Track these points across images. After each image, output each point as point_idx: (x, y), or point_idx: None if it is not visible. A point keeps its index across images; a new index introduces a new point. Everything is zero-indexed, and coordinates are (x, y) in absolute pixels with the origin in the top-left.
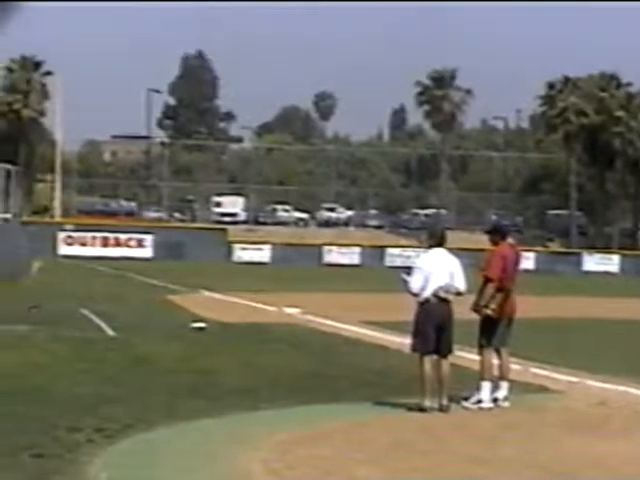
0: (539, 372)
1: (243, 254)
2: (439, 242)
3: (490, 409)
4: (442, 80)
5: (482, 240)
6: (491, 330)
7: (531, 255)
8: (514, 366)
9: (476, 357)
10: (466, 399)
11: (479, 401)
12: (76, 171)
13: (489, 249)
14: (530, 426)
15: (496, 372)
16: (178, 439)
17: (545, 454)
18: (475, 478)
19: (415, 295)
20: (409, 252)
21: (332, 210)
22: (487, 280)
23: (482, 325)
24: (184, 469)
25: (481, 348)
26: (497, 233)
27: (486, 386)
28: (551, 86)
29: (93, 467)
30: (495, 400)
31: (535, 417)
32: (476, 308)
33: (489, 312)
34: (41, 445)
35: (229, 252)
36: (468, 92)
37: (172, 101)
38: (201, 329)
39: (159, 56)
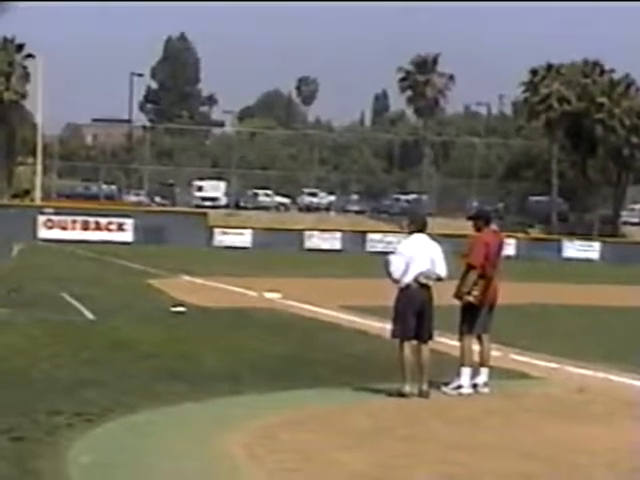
0: (519, 358)
1: (224, 238)
2: (420, 228)
3: (470, 395)
4: (425, 65)
5: (463, 226)
6: (473, 317)
7: (512, 241)
8: (494, 352)
9: (456, 343)
10: (446, 384)
11: (459, 387)
12: (57, 154)
13: (472, 235)
14: (510, 412)
15: (476, 358)
16: (159, 423)
17: (525, 440)
18: (455, 463)
19: (396, 281)
20: (390, 237)
21: (313, 195)
22: (469, 267)
23: (464, 312)
24: (165, 453)
25: (462, 334)
26: (481, 219)
27: (466, 372)
28: (534, 72)
29: (73, 450)
30: (475, 386)
31: (515, 403)
32: (458, 295)
33: (471, 299)
34: (21, 428)
35: (210, 236)
36: (451, 78)
37: (154, 84)
38: (181, 313)
39: (142, 39)
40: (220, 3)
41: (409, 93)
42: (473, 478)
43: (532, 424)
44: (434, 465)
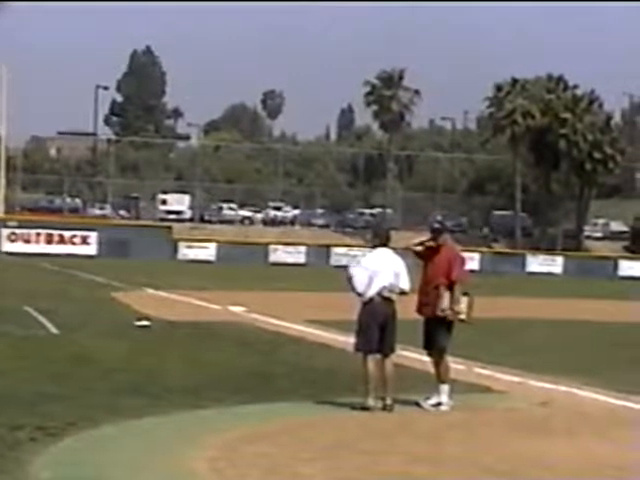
0: (482, 372)
1: (188, 252)
2: (383, 242)
3: (445, 411)
4: (391, 80)
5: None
6: (450, 333)
7: (475, 255)
8: (458, 366)
9: (419, 356)
10: (426, 399)
11: (439, 404)
12: (21, 167)
13: (448, 250)
14: (473, 426)
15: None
16: (122, 437)
17: (488, 454)
18: (418, 477)
19: (359, 294)
20: (354, 251)
21: (278, 209)
22: (453, 283)
23: (445, 329)
24: (128, 467)
25: (444, 352)
26: (446, 232)
27: (446, 389)
28: (499, 88)
29: (35, 465)
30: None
31: (478, 417)
32: (444, 312)
33: (463, 317)
34: None
35: (174, 250)
36: (416, 92)
37: (119, 98)
38: (145, 327)
39: (107, 52)
40: (186, 16)
41: (375, 107)
42: None
43: (494, 438)
44: (393, 478)
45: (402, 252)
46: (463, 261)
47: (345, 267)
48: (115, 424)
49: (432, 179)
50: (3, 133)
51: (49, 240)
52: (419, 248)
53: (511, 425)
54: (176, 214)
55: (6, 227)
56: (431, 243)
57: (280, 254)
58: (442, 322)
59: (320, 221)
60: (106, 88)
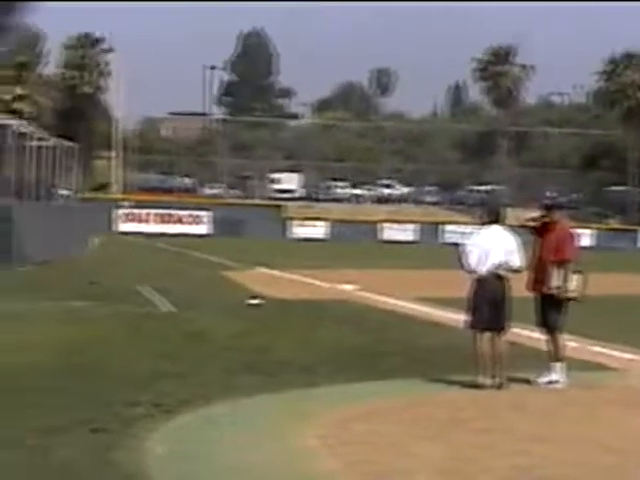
0: (596, 350)
1: (299, 230)
2: (494, 219)
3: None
4: (502, 56)
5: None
6: (565, 310)
7: (588, 232)
8: (571, 343)
9: (532, 334)
10: (539, 377)
11: (555, 381)
12: (135, 148)
13: (561, 228)
14: (588, 404)
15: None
16: (235, 415)
17: (604, 432)
18: (532, 455)
19: (471, 272)
20: (465, 228)
21: (388, 186)
22: (564, 261)
23: (559, 306)
24: (241, 444)
25: (557, 330)
26: (560, 209)
27: (561, 367)
28: (612, 62)
29: (151, 441)
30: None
31: (593, 395)
32: (551, 290)
33: (576, 294)
34: (100, 420)
35: (285, 228)
36: (531, 68)
37: (231, 78)
38: (257, 305)
39: (218, 33)
40: None
41: (486, 84)
42: (549, 470)
43: (611, 416)
44: (511, 457)
45: (515, 229)
46: (575, 239)
47: (456, 245)
48: (228, 401)
49: (544, 155)
50: (119, 115)
51: (163, 220)
52: (534, 223)
53: (627, 403)
54: (287, 193)
55: (121, 207)
56: (545, 219)
57: (390, 232)
58: (555, 300)
59: (430, 198)
60: (214, 68)
